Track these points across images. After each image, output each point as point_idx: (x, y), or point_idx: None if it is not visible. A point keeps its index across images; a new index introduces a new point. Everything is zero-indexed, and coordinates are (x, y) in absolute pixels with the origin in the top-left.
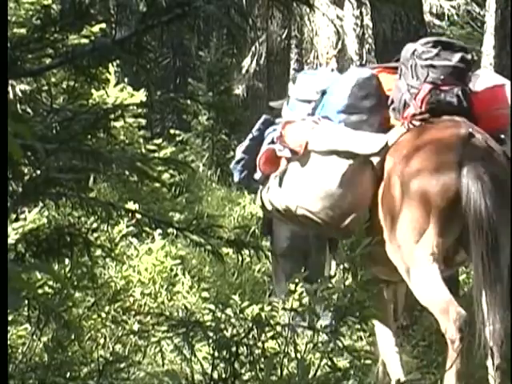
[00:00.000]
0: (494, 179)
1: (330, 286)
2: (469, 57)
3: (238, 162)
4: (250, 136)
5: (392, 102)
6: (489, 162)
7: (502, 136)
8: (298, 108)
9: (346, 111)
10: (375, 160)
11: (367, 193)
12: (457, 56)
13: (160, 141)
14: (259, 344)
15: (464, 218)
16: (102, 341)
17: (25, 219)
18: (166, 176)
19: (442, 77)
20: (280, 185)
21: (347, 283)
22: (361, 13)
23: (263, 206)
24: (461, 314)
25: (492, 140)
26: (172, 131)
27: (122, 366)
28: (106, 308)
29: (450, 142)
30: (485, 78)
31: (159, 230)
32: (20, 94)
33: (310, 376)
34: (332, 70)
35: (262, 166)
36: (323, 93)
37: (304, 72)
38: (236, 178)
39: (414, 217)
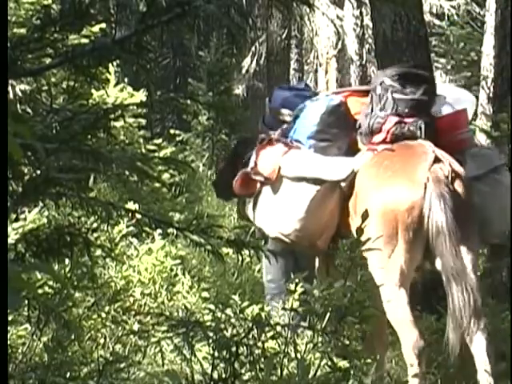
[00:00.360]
0: (455, 198)
1: (330, 285)
2: (432, 88)
3: (214, 183)
4: (229, 156)
5: (359, 126)
6: (452, 184)
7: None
8: (274, 126)
9: (315, 137)
10: (343, 184)
11: (335, 215)
12: (421, 89)
13: (160, 141)
14: (259, 344)
15: (427, 233)
16: (102, 341)
17: (25, 219)
18: (166, 176)
19: (406, 110)
20: (254, 207)
21: (347, 283)
22: (361, 13)
23: (239, 215)
24: (419, 342)
25: (454, 162)
26: (172, 131)
27: (122, 365)
28: (106, 308)
29: (417, 164)
30: (448, 102)
31: (159, 230)
32: (20, 94)
33: (310, 376)
34: (306, 84)
35: (237, 189)
36: (295, 117)
37: (280, 87)
38: (216, 194)
39: (383, 234)
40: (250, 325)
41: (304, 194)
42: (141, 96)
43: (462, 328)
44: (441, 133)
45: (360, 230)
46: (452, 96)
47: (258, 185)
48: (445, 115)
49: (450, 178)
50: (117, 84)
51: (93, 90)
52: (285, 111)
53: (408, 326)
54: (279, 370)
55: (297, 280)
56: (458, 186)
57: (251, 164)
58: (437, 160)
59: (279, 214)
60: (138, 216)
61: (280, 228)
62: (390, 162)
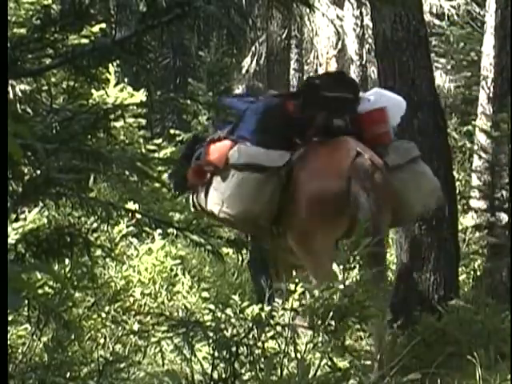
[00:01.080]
0: (376, 188)
1: (330, 285)
2: (356, 90)
3: (170, 176)
4: (182, 152)
5: (294, 123)
6: (371, 174)
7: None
8: (223, 128)
9: (257, 133)
10: (283, 171)
11: (275, 199)
12: (346, 90)
13: (160, 141)
14: (259, 344)
15: (351, 217)
16: (102, 341)
17: (25, 219)
18: (166, 176)
19: (333, 106)
20: (206, 195)
21: (347, 283)
22: (361, 13)
23: (194, 208)
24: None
25: (374, 155)
26: (172, 131)
27: (122, 365)
28: (106, 308)
29: (339, 159)
30: (371, 101)
31: (159, 230)
32: (20, 94)
33: (309, 376)
34: (247, 93)
35: (191, 179)
36: (240, 118)
37: (227, 96)
38: (172, 188)
39: (313, 215)
40: (250, 325)
41: (248, 179)
42: (141, 96)
43: None
44: (363, 128)
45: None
46: (374, 98)
47: (208, 175)
48: (365, 112)
49: (369, 171)
50: (117, 84)
51: (93, 90)
52: (231, 114)
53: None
54: (279, 370)
55: (296, 280)
56: (377, 176)
57: (202, 157)
58: (358, 154)
59: (227, 197)
60: (138, 216)
61: (228, 210)
62: (319, 155)
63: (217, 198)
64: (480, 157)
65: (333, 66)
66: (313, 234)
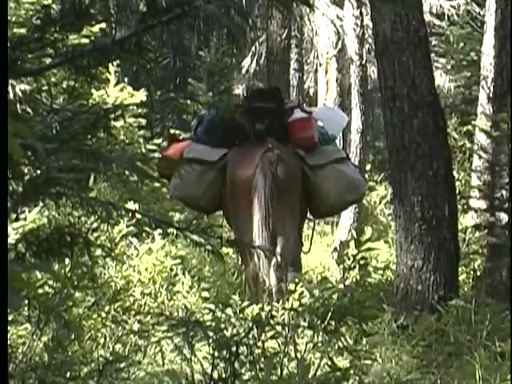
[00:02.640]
0: (277, 179)
1: (330, 285)
2: (279, 100)
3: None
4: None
5: (236, 128)
6: (277, 168)
7: (302, 153)
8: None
9: (206, 134)
10: (219, 164)
11: (213, 185)
12: (271, 100)
13: (160, 141)
14: (259, 344)
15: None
16: (102, 341)
17: (25, 219)
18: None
19: (257, 114)
20: (169, 182)
21: (347, 283)
22: (361, 13)
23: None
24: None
25: (286, 153)
26: (172, 131)
27: (122, 365)
28: (106, 308)
29: (255, 154)
30: (297, 113)
31: (159, 230)
32: (20, 94)
33: (309, 376)
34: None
35: (160, 169)
36: (198, 123)
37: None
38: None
39: (236, 197)
40: (250, 325)
41: (191, 170)
42: (141, 96)
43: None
44: (289, 133)
45: (360, 231)
46: (321, 115)
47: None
48: (291, 121)
49: (273, 162)
50: (117, 84)
51: (93, 90)
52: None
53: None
54: (279, 370)
55: (297, 280)
56: (280, 167)
57: (165, 151)
58: (268, 150)
59: (177, 183)
60: (138, 216)
61: (177, 193)
62: (241, 151)
63: (173, 183)
64: (480, 157)
65: (333, 66)
66: (234, 210)
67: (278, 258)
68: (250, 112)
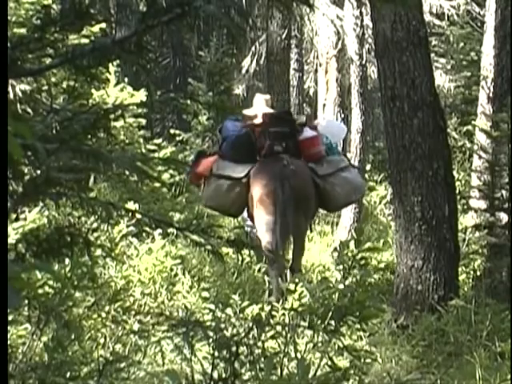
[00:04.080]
0: (293, 189)
1: (330, 285)
2: (293, 125)
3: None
4: (192, 161)
5: (257, 147)
6: (292, 181)
7: (313, 165)
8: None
9: (231, 151)
10: (244, 180)
11: (241, 196)
12: (285, 125)
13: (160, 141)
14: (259, 344)
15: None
16: (102, 341)
17: (25, 219)
18: (166, 176)
19: (274, 136)
20: (202, 192)
21: (347, 283)
22: (361, 13)
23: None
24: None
25: (299, 167)
26: (172, 131)
27: (122, 365)
28: (106, 308)
29: (275, 168)
30: (307, 132)
31: (159, 230)
32: (20, 94)
33: (310, 376)
34: (237, 119)
35: (193, 179)
36: (224, 139)
37: (228, 120)
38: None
39: (260, 206)
40: (250, 325)
41: (221, 184)
42: (141, 96)
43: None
44: (302, 150)
45: (360, 231)
46: (325, 128)
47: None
48: (302, 139)
49: (288, 175)
50: (117, 84)
51: (93, 90)
52: (220, 135)
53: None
54: (279, 370)
55: (297, 280)
56: (297, 180)
57: (197, 167)
58: (285, 165)
59: (209, 195)
60: (138, 216)
61: (210, 203)
62: (263, 166)
63: (205, 194)
64: (480, 157)
65: (333, 66)
66: (258, 216)
67: (291, 257)
68: (269, 135)
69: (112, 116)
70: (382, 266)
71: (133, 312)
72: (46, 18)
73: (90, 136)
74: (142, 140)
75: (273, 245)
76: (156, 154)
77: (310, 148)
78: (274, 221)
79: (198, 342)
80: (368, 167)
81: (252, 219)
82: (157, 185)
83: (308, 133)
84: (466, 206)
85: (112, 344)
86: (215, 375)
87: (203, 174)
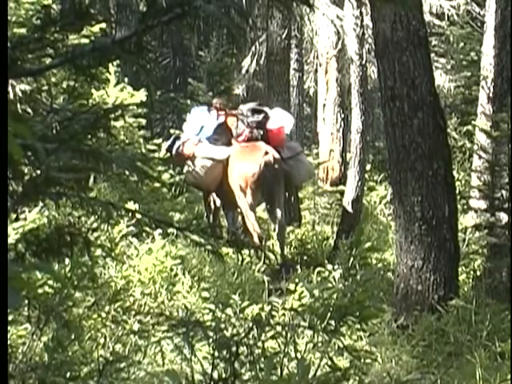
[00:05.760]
0: (273, 172)
1: (330, 285)
2: (267, 115)
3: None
4: (167, 144)
5: (232, 133)
6: (273, 164)
7: (278, 150)
8: (192, 131)
9: (211, 137)
10: (224, 161)
11: (220, 175)
12: (260, 116)
13: (160, 141)
14: (259, 344)
15: (261, 187)
16: (102, 341)
17: (25, 219)
18: (166, 176)
19: (253, 125)
20: (185, 172)
21: (347, 283)
22: (361, 13)
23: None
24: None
25: (275, 153)
26: (172, 131)
27: (122, 365)
28: (106, 308)
29: (257, 153)
30: (274, 120)
31: (159, 230)
32: (20, 94)
33: (310, 376)
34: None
35: (176, 161)
36: (202, 127)
37: (194, 108)
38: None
39: (240, 187)
40: (250, 325)
41: (206, 164)
42: (141, 96)
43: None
44: (271, 137)
45: (360, 231)
46: (279, 117)
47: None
48: (272, 129)
49: (272, 162)
50: (117, 84)
51: (93, 90)
52: (197, 125)
53: (251, 216)
54: (279, 370)
55: (297, 280)
56: (276, 165)
57: (181, 149)
58: (266, 152)
59: (193, 173)
60: (138, 216)
61: (195, 180)
62: (244, 151)
63: (190, 173)
64: (480, 157)
65: (333, 66)
66: (240, 194)
67: (279, 216)
68: (249, 124)
69: (112, 116)
70: (381, 265)
71: (133, 312)
72: (46, 18)
73: (89, 136)
74: (141, 140)
75: (252, 220)
76: (156, 154)
77: (277, 136)
78: (254, 197)
79: (197, 342)
80: (368, 167)
81: (220, 194)
82: (157, 185)
83: (275, 122)
84: (466, 206)
85: (112, 344)
86: (215, 375)
87: (188, 156)
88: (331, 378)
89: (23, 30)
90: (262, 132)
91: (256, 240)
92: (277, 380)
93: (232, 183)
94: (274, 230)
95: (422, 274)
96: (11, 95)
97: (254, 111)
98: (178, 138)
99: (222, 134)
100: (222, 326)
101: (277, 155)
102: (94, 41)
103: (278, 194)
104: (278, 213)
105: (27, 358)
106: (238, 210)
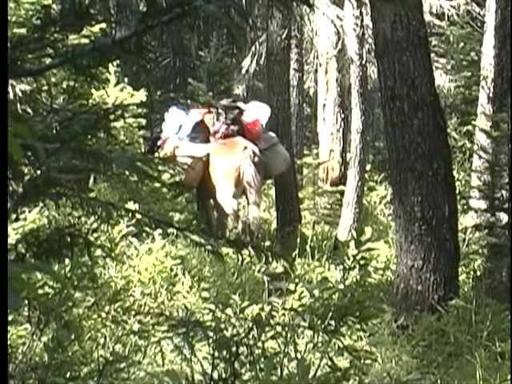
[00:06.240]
0: (253, 165)
1: (330, 285)
2: (242, 111)
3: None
4: (149, 144)
5: (210, 130)
6: (252, 158)
7: (255, 142)
8: (171, 131)
9: (190, 135)
10: (204, 158)
11: (201, 171)
12: (235, 111)
13: (160, 141)
14: (259, 344)
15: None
16: (102, 341)
17: (25, 219)
18: (166, 176)
19: (228, 122)
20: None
21: (347, 283)
22: (361, 13)
23: None
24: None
25: (254, 146)
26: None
27: (122, 366)
28: (106, 308)
29: (236, 149)
30: (249, 114)
31: (159, 230)
32: (20, 94)
33: (310, 376)
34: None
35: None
36: (180, 126)
37: (172, 108)
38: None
39: (222, 180)
40: (250, 325)
41: (186, 162)
42: (141, 96)
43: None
44: (247, 131)
45: (360, 231)
46: (253, 110)
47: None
48: (247, 122)
49: (251, 155)
50: (117, 84)
51: (93, 90)
52: (176, 124)
53: (234, 205)
54: (279, 370)
55: (296, 280)
56: (256, 159)
57: (162, 146)
58: (245, 147)
59: (176, 171)
60: (138, 216)
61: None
62: (223, 147)
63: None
64: (480, 157)
65: (333, 66)
66: (222, 189)
67: (255, 207)
68: (224, 120)
69: (112, 116)
70: (381, 265)
71: (133, 312)
72: (45, 18)
73: (90, 136)
74: (141, 140)
75: (235, 207)
76: (156, 154)
77: (253, 128)
78: (237, 190)
79: (198, 342)
80: (368, 167)
81: (200, 191)
82: (157, 185)
83: (250, 116)
84: (466, 206)
85: (112, 344)
86: (215, 375)
87: (168, 155)
88: (331, 378)
89: (23, 30)
90: (237, 127)
91: (239, 226)
92: (277, 380)
93: (214, 179)
94: (248, 220)
95: (422, 274)
96: (11, 95)
97: (228, 108)
98: (158, 138)
99: (200, 132)
100: (222, 326)
101: (255, 149)
102: (94, 41)
103: (257, 186)
104: (256, 204)
105: (27, 358)
106: (216, 204)
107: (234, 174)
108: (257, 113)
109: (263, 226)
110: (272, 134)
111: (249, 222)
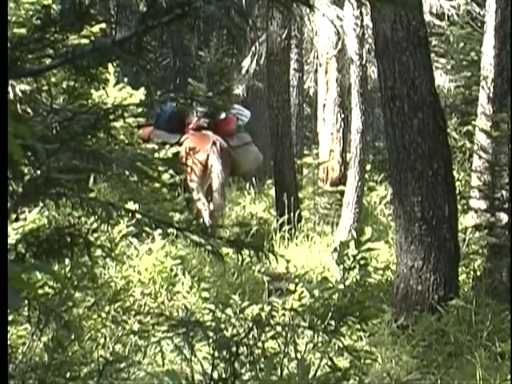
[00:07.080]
0: (219, 160)
1: (330, 285)
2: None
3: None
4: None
5: (185, 122)
6: (220, 151)
7: (227, 138)
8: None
9: (166, 124)
10: (176, 145)
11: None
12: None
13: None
14: (259, 344)
15: (209, 172)
16: (102, 341)
17: (25, 219)
18: (166, 176)
19: (201, 115)
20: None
21: (347, 283)
22: (361, 13)
23: None
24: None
25: (222, 141)
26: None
27: (122, 365)
28: (106, 308)
29: (205, 142)
30: (223, 114)
31: (159, 230)
32: (20, 94)
33: (310, 376)
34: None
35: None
36: (158, 116)
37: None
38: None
39: (190, 172)
40: (250, 325)
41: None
42: (141, 96)
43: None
44: (219, 127)
45: (360, 231)
46: (237, 112)
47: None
48: (221, 118)
49: (218, 151)
50: (116, 84)
51: (93, 90)
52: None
53: (201, 197)
54: (279, 370)
55: (296, 280)
56: (223, 153)
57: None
58: (214, 143)
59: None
60: (138, 216)
61: None
62: (193, 139)
63: None
64: (480, 157)
65: (333, 66)
66: (191, 182)
67: (218, 198)
68: (197, 114)
69: (112, 116)
70: (381, 266)
71: (133, 312)
72: (46, 18)
73: (90, 136)
74: (142, 140)
75: (218, 196)
76: (156, 154)
77: (225, 126)
78: (213, 183)
79: (198, 342)
80: (368, 167)
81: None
82: (157, 185)
83: (224, 115)
84: (466, 206)
85: (112, 344)
86: (215, 375)
87: (143, 139)
88: (331, 378)
89: (23, 30)
90: (208, 120)
91: (206, 218)
92: (277, 380)
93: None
94: (211, 210)
95: (422, 274)
96: (11, 95)
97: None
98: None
99: (175, 123)
100: (222, 326)
101: (224, 144)
102: (94, 41)
103: (222, 178)
104: (218, 193)
105: (27, 358)
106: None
107: (199, 167)
108: (234, 113)
109: (263, 226)
110: (246, 135)
111: (211, 209)
